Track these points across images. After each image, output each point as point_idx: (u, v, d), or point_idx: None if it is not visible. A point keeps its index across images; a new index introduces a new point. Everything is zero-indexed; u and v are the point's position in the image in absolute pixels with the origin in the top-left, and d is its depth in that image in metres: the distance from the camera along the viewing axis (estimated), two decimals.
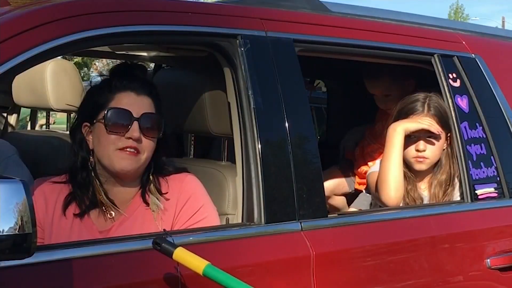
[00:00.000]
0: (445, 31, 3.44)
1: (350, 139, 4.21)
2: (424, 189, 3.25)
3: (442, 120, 3.17)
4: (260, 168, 2.50)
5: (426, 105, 3.18)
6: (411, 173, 3.22)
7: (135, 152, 2.44)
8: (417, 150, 3.17)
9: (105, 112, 2.44)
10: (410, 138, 3.18)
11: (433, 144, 3.18)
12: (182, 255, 2.13)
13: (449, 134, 3.20)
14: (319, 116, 6.65)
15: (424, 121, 3.15)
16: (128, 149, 2.43)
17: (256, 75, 2.56)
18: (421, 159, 3.18)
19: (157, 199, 2.51)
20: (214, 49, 2.61)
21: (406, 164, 3.22)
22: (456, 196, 3.21)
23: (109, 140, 2.44)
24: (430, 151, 3.18)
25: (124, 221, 2.50)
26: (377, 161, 3.36)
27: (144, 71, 2.65)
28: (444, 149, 3.23)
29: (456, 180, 3.21)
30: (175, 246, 2.14)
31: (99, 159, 2.48)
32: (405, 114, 3.22)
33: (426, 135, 3.17)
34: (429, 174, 3.25)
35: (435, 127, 3.15)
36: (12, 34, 2.14)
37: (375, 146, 3.87)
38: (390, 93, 3.80)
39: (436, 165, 3.23)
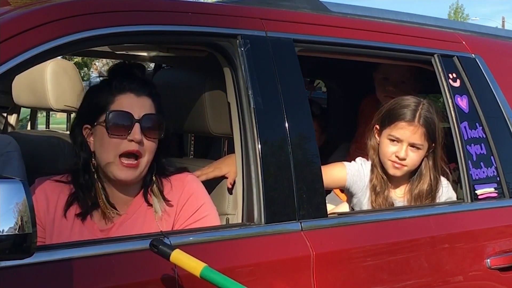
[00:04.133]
0: (445, 31, 3.44)
1: (336, 160, 4.14)
2: (400, 196, 3.17)
3: (429, 131, 3.09)
4: (260, 168, 2.50)
5: (417, 114, 3.08)
6: (385, 176, 3.15)
7: (135, 160, 2.44)
8: (397, 157, 3.09)
9: (106, 115, 2.43)
10: (393, 142, 3.11)
11: (414, 153, 3.10)
12: (179, 257, 2.13)
13: (433, 145, 3.13)
14: None
15: None
16: (129, 153, 2.42)
17: (256, 75, 2.56)
18: (398, 166, 3.11)
19: (160, 199, 2.51)
20: (214, 49, 2.61)
21: (381, 165, 3.15)
22: None
23: (110, 144, 2.43)
24: (410, 160, 3.10)
25: (125, 220, 2.50)
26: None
27: (143, 70, 2.65)
28: (424, 158, 3.14)
29: (438, 192, 3.15)
30: (172, 248, 2.14)
31: (99, 164, 2.48)
32: (393, 116, 3.12)
33: (409, 142, 3.09)
34: (405, 181, 3.18)
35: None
36: (12, 34, 2.14)
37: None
38: (406, 80, 3.74)
39: (415, 173, 3.16)
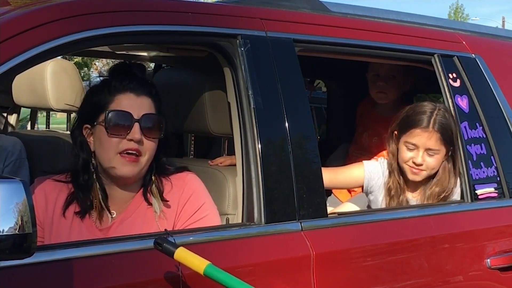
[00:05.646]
0: (445, 31, 3.44)
1: (335, 160, 4.15)
2: (415, 196, 3.21)
3: (445, 136, 3.12)
4: (260, 168, 2.50)
5: (432, 120, 3.11)
6: (402, 181, 3.19)
7: (136, 156, 2.44)
8: (414, 163, 3.13)
9: (105, 114, 2.43)
10: (409, 148, 3.15)
11: (431, 158, 3.13)
12: (183, 255, 2.14)
13: (451, 148, 3.14)
14: (319, 116, 6.66)
15: None
16: (129, 151, 2.43)
17: (256, 75, 2.56)
18: (416, 171, 3.15)
19: (159, 200, 2.51)
20: (214, 49, 2.61)
21: (400, 170, 3.19)
22: None
23: (110, 143, 2.43)
24: (427, 164, 3.14)
25: (124, 219, 2.50)
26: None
27: (143, 70, 2.65)
28: (442, 162, 3.16)
29: (451, 195, 3.17)
30: (176, 246, 2.15)
31: (100, 162, 2.48)
32: (410, 123, 3.16)
33: (426, 148, 3.12)
34: (423, 184, 3.21)
35: None
36: (12, 34, 2.14)
37: (364, 158, 3.83)
38: (396, 74, 3.79)
39: (433, 176, 3.18)
